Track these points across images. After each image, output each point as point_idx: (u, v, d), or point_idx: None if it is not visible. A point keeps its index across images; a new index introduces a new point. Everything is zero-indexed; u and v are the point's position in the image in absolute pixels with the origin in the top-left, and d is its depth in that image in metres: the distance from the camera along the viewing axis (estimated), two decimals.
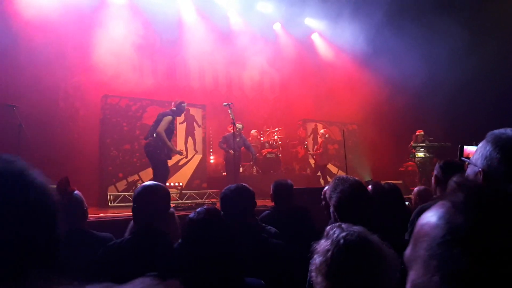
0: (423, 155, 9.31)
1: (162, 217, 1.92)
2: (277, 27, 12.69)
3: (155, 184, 2.02)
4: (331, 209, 1.93)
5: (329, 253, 1.11)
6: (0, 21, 7.58)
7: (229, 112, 6.77)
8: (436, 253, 0.62)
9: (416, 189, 3.81)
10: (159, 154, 6.09)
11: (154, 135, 6.13)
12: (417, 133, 9.69)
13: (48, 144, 7.76)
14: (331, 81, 12.58)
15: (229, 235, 1.59)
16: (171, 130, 6.27)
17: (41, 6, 8.21)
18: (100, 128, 8.50)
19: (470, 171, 1.05)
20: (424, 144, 9.39)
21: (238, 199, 2.26)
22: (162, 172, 6.12)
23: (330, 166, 12.21)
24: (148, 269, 1.56)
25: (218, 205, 6.58)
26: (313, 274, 1.13)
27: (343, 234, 1.14)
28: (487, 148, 1.00)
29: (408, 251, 0.81)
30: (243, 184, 2.44)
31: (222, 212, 1.79)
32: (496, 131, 1.01)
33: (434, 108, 10.70)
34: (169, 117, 6.22)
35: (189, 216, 1.62)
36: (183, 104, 6.50)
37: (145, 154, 6.32)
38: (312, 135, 12.18)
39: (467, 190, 0.63)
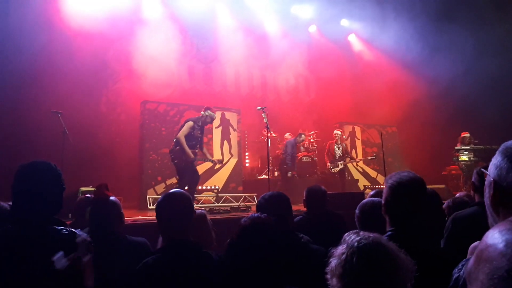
0: (467, 158, 8.86)
1: (186, 224, 1.89)
2: (313, 29, 12.59)
3: (170, 193, 2.00)
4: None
5: (344, 256, 1.16)
6: (47, 30, 8.01)
7: (263, 116, 6.77)
8: (497, 285, 0.61)
9: (457, 194, 3.67)
10: (178, 161, 6.05)
11: (174, 140, 6.16)
12: (462, 135, 9.24)
13: (90, 149, 8.09)
14: (369, 82, 12.31)
15: (278, 242, 1.61)
16: (192, 136, 6.17)
17: (85, 16, 8.64)
18: (140, 133, 8.77)
19: (486, 181, 1.05)
20: (469, 147, 8.94)
21: (275, 207, 2.27)
22: (186, 178, 6.09)
23: (368, 170, 11.93)
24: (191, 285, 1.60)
25: (253, 209, 6.61)
26: (328, 276, 1.19)
27: (358, 238, 1.19)
28: (498, 158, 1.01)
29: (470, 265, 0.78)
30: (279, 191, 2.45)
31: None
32: (509, 142, 1.02)
33: (480, 109, 10.23)
34: (191, 123, 6.17)
35: (241, 221, 1.66)
36: (207, 112, 6.38)
37: (170, 158, 6.31)
38: (349, 138, 11.96)
39: None
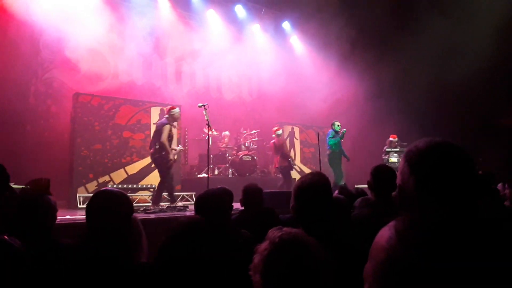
0: (396, 160, 9.47)
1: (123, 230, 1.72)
2: (256, 29, 12.68)
3: (107, 191, 1.82)
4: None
5: (265, 252, 1.16)
6: None
7: (204, 113, 6.68)
8: (380, 278, 0.63)
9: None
10: (165, 163, 6.51)
11: (157, 146, 6.47)
12: (390, 138, 9.84)
13: (17, 142, 7.52)
14: (308, 84, 12.66)
15: (212, 243, 1.55)
16: (171, 137, 6.64)
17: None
18: (71, 127, 8.25)
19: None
20: (398, 150, 9.56)
21: (217, 203, 2.25)
22: (169, 178, 6.62)
23: (306, 170, 12.28)
24: None
25: (191, 208, 6.49)
26: (251, 272, 1.19)
27: (279, 234, 1.20)
28: (401, 162, 1.05)
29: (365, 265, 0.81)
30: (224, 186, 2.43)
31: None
32: (412, 144, 1.06)
33: (409, 113, 10.93)
34: (168, 126, 6.56)
35: (171, 225, 1.56)
36: (173, 111, 6.71)
37: (153, 163, 6.85)
38: (288, 138, 12.23)
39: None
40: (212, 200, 2.29)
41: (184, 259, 1.49)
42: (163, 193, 6.84)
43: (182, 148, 7.55)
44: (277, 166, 9.45)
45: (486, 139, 9.08)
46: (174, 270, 1.50)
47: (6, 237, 1.43)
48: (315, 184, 1.79)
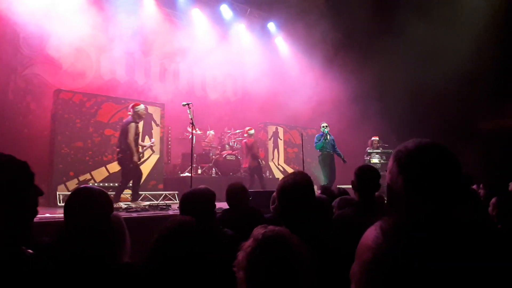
0: (377, 161, 9.62)
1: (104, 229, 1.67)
2: (241, 29, 12.67)
3: (87, 188, 1.76)
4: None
5: (249, 248, 1.17)
6: None
7: (188, 112, 6.65)
8: (367, 277, 0.64)
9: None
10: (128, 164, 6.44)
11: (123, 146, 6.41)
12: (372, 139, 10.00)
13: None
14: (292, 85, 12.73)
15: (203, 245, 1.53)
16: (137, 136, 6.58)
17: None
18: (52, 124, 8.09)
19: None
20: (379, 150, 9.71)
21: (200, 202, 2.24)
22: (130, 177, 6.56)
23: (288, 169, 12.35)
24: None
25: (173, 207, 6.44)
26: (235, 269, 1.19)
27: (263, 231, 1.21)
28: (391, 162, 1.06)
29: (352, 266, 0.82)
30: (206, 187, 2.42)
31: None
32: (401, 144, 1.07)
33: (389, 116, 11.11)
34: (133, 124, 6.46)
35: (162, 225, 1.53)
36: (137, 107, 6.61)
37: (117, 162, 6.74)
38: (272, 138, 12.27)
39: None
40: (199, 200, 2.28)
41: (179, 259, 1.46)
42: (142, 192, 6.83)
43: (152, 143, 7.40)
44: (246, 166, 9.38)
45: (463, 143, 9.31)
46: (169, 269, 1.48)
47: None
48: (297, 184, 1.80)
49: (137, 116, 6.54)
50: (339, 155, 8.75)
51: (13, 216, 1.38)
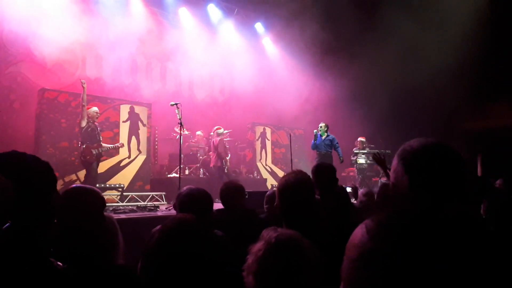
0: (364, 161, 9.71)
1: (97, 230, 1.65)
2: (229, 29, 12.65)
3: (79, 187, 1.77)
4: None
5: (260, 252, 1.14)
6: None
7: (177, 112, 6.61)
8: (353, 275, 0.66)
9: None
10: (87, 165, 6.74)
11: (84, 146, 6.65)
12: (359, 139, 10.09)
13: None
14: (279, 85, 12.77)
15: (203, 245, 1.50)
16: (92, 137, 6.75)
17: None
18: (36, 124, 7.95)
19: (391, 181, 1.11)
20: (366, 151, 9.80)
21: (203, 202, 2.25)
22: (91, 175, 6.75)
23: (276, 170, 12.39)
24: None
25: (161, 208, 6.38)
26: (244, 273, 1.16)
27: (275, 234, 1.17)
28: (395, 161, 1.06)
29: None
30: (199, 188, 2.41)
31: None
32: (406, 144, 1.07)
33: (374, 117, 11.23)
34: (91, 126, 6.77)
35: (161, 225, 1.51)
36: (88, 110, 6.81)
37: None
38: (260, 139, 12.29)
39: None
40: (199, 199, 2.25)
41: (181, 259, 1.42)
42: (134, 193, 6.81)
43: (113, 146, 7.56)
44: (211, 165, 9.31)
45: (449, 142, 9.46)
46: (169, 270, 1.44)
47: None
48: (300, 183, 1.80)
49: (90, 118, 6.82)
50: (338, 154, 8.75)
51: (41, 224, 1.31)
